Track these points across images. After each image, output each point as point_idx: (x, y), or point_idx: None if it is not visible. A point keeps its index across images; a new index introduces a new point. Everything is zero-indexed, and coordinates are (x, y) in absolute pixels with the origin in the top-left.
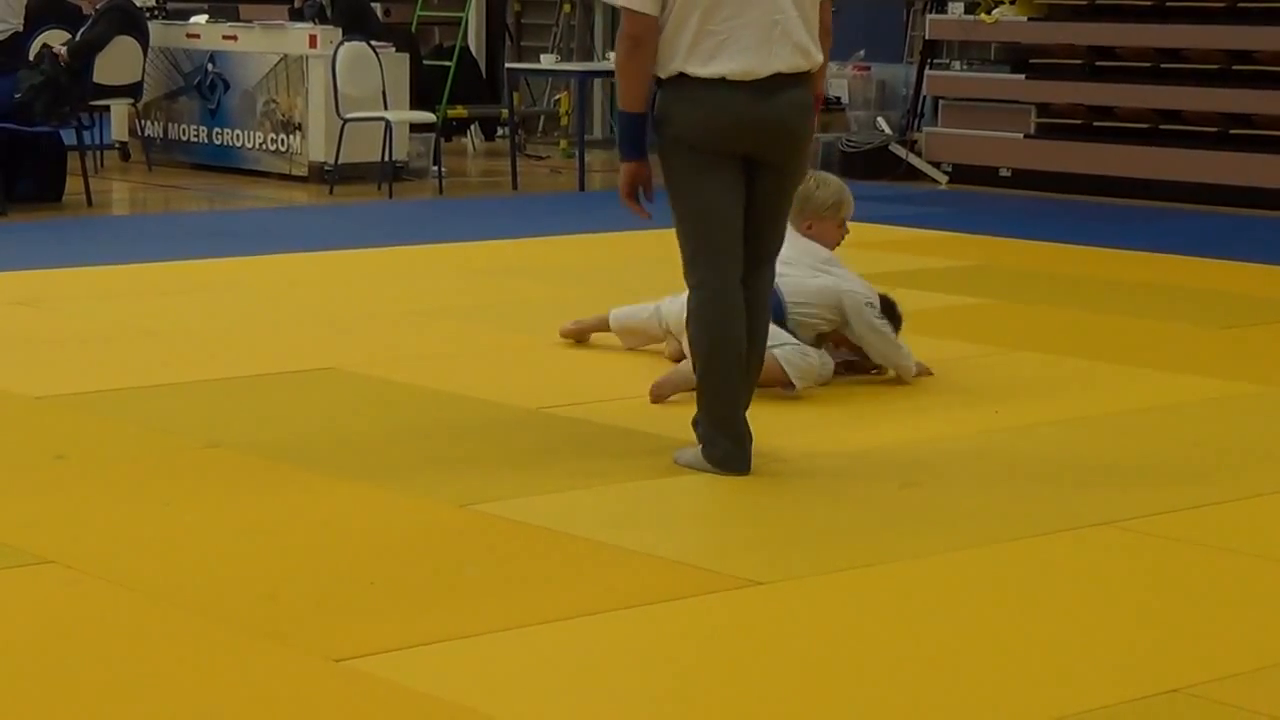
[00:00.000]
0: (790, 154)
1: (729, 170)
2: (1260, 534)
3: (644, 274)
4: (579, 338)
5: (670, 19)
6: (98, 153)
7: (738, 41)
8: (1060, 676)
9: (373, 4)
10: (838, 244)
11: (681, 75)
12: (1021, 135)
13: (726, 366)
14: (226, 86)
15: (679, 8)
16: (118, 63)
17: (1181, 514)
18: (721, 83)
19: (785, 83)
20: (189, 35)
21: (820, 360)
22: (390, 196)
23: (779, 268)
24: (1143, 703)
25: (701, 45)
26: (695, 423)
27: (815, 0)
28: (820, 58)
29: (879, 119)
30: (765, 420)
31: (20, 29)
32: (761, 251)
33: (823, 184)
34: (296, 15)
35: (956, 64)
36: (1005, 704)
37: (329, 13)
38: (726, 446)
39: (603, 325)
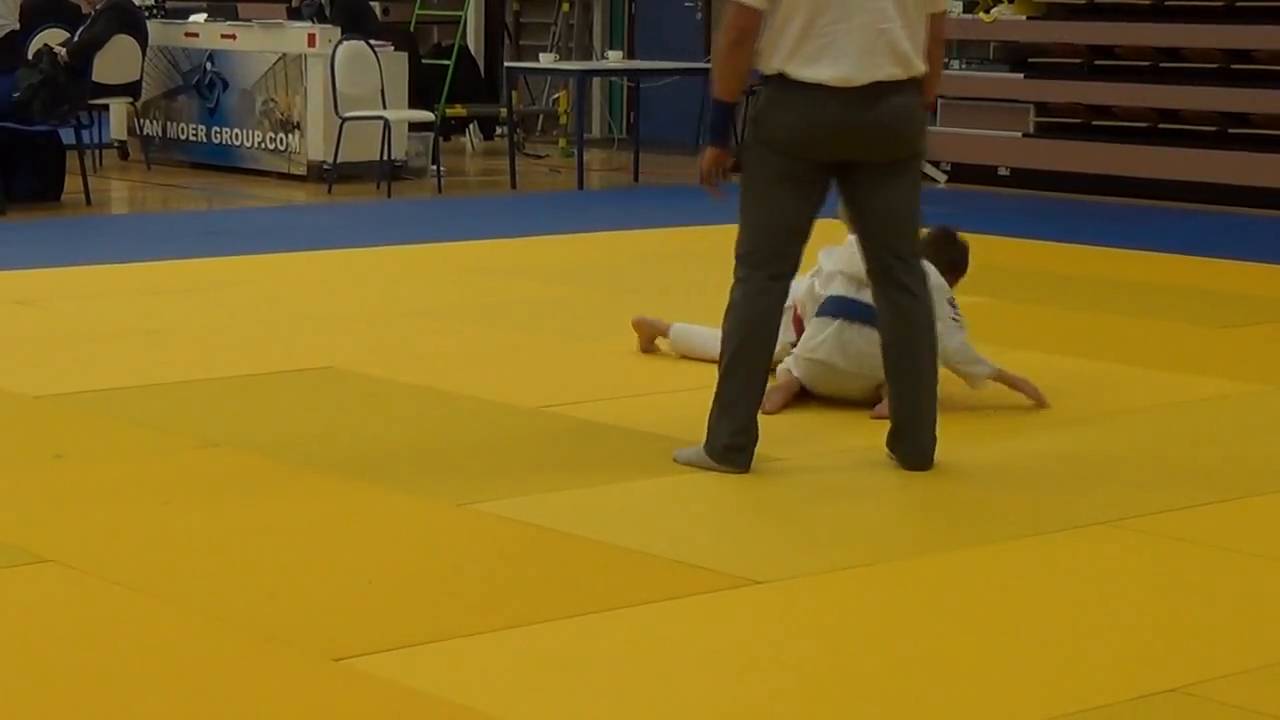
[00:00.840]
0: (907, 154)
1: (809, 179)
2: (1260, 533)
3: (643, 272)
4: (647, 336)
5: (777, 17)
6: (96, 152)
7: (840, 47)
8: (1060, 675)
9: (371, 3)
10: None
11: (781, 76)
12: (1020, 134)
13: (753, 365)
14: (225, 85)
15: (786, 6)
16: (116, 62)
17: (1181, 513)
18: (819, 88)
19: (886, 90)
20: (188, 34)
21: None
22: (389, 195)
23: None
24: (1143, 701)
25: (805, 47)
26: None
27: (921, 11)
28: (923, 67)
29: None
30: (763, 420)
31: (16, 27)
32: (889, 253)
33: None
34: (295, 15)
35: (955, 63)
36: (1005, 702)
37: (328, 12)
38: (729, 442)
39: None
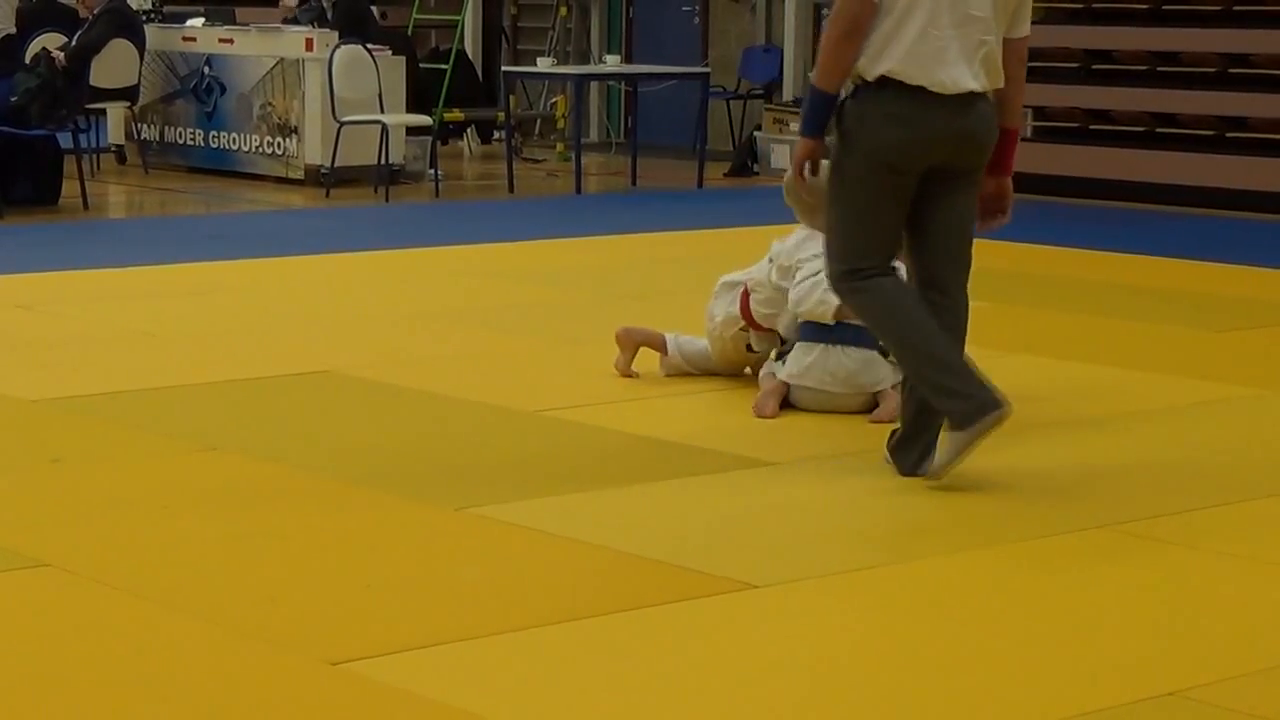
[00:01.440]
0: (980, 164)
1: (903, 185)
2: (1257, 537)
3: (640, 276)
4: (629, 347)
5: (891, 17)
6: (94, 156)
7: (948, 54)
8: (1059, 678)
9: (370, 5)
10: None
11: (884, 79)
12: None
13: (925, 335)
14: (223, 90)
15: (903, 6)
16: (114, 66)
17: (1179, 517)
18: (922, 93)
19: (975, 98)
20: (185, 39)
21: None
22: (386, 200)
23: None
24: (1141, 705)
25: (921, 49)
26: (932, 406)
27: (1004, 28)
28: (1002, 81)
29: None
30: (759, 424)
31: (13, 31)
32: (954, 262)
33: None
34: (293, 24)
35: None
36: (1004, 706)
37: (329, 16)
38: (973, 401)
39: (655, 343)
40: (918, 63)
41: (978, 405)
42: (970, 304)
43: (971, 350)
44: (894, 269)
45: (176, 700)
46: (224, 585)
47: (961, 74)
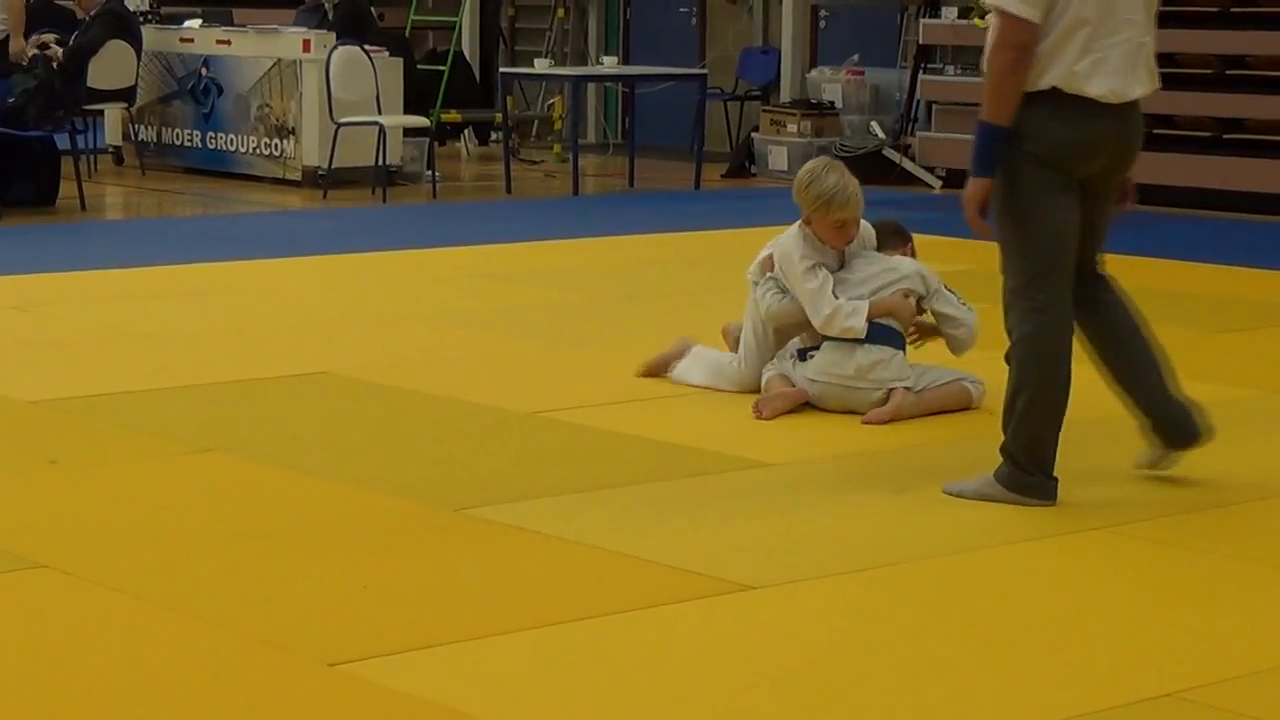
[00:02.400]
0: (1128, 169)
1: (1073, 192)
2: (1255, 539)
3: (638, 278)
4: (658, 371)
5: (1055, 31)
6: (91, 157)
7: (1111, 62)
8: (1054, 680)
9: (370, 7)
10: (844, 243)
11: (1055, 90)
12: None
13: (1054, 402)
14: (220, 91)
15: (1068, 21)
16: (111, 67)
17: (1176, 518)
18: (1091, 103)
19: (1134, 104)
20: (182, 40)
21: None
22: (384, 201)
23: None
24: (1138, 706)
25: (1083, 62)
26: (1004, 451)
27: (1152, 24)
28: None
29: (873, 123)
30: (756, 426)
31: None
32: (1095, 262)
33: (818, 179)
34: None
35: (950, 69)
36: (1001, 707)
37: (330, 18)
38: (1040, 479)
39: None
40: (1083, 76)
41: (1036, 485)
42: (975, 307)
43: (976, 352)
44: (1069, 303)
45: (174, 701)
46: (222, 586)
47: (1125, 82)
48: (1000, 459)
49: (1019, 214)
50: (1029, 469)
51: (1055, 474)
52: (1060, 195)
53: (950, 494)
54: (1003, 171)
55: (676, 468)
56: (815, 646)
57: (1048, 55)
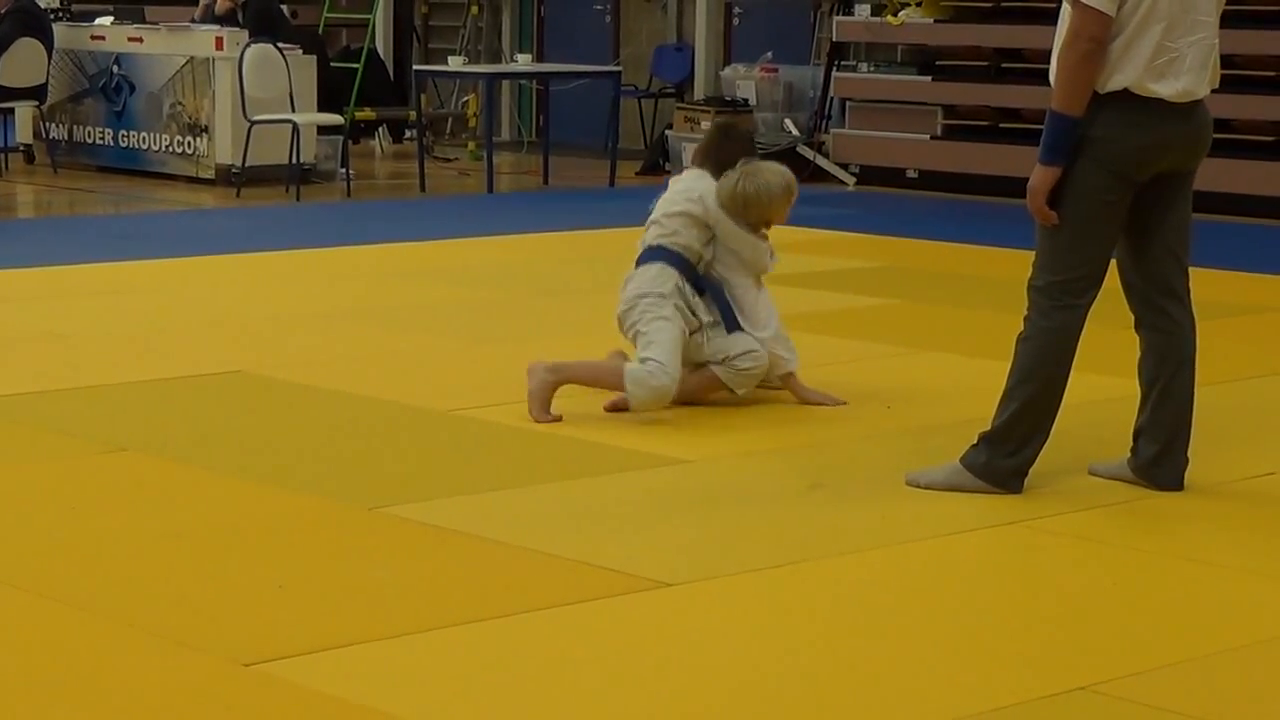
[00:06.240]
0: (1196, 166)
1: (1129, 197)
2: (1166, 532)
3: (553, 275)
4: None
5: (1128, 29)
6: (2, 155)
7: (1184, 61)
8: (967, 675)
9: (281, 5)
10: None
11: (1126, 92)
12: (928, 137)
13: (1050, 403)
14: (132, 89)
15: (1141, 18)
16: (22, 65)
17: (1088, 513)
18: (1161, 104)
19: (1200, 103)
20: (94, 37)
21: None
22: (298, 199)
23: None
24: (1050, 700)
25: (1157, 61)
26: (989, 438)
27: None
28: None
29: (786, 120)
30: (672, 422)
31: None
32: (1180, 264)
33: (748, 179)
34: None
35: (863, 66)
36: (912, 702)
37: (241, 17)
38: (1017, 467)
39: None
40: (1154, 76)
41: (1007, 470)
42: (880, 301)
43: (880, 347)
44: (1090, 302)
45: (86, 702)
46: (134, 586)
47: (1193, 82)
48: (973, 444)
49: (1075, 216)
50: (1006, 462)
51: (1029, 462)
52: (1118, 207)
53: (917, 486)
54: (1067, 171)
55: (592, 464)
56: (732, 643)
57: (1120, 52)
